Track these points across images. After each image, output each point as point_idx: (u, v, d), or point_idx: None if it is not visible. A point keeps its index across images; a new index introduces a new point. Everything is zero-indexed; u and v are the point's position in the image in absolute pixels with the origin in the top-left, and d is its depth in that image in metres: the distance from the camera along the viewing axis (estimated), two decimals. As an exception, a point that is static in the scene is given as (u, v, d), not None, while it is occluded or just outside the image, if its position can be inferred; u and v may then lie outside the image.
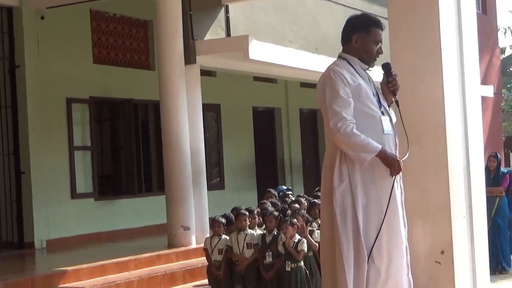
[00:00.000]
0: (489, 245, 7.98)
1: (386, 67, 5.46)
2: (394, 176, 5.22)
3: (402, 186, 5.42)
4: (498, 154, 12.85)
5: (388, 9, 7.48)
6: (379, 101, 5.38)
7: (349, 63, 5.41)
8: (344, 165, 5.27)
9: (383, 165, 5.21)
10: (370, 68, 5.50)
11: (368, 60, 5.44)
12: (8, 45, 13.30)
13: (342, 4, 18.43)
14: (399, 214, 5.30)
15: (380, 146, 5.17)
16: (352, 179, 5.24)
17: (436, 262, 7.07)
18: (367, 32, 5.40)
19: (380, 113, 5.33)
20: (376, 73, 5.58)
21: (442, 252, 7.06)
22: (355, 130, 5.15)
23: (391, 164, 5.18)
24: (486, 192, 8.01)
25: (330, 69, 5.36)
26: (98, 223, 14.42)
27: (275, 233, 9.14)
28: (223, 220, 9.65)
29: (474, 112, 7.57)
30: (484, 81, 24.59)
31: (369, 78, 5.46)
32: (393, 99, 5.48)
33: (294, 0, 17.40)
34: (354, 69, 5.39)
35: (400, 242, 5.29)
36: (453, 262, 7.04)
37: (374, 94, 5.38)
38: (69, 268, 10.29)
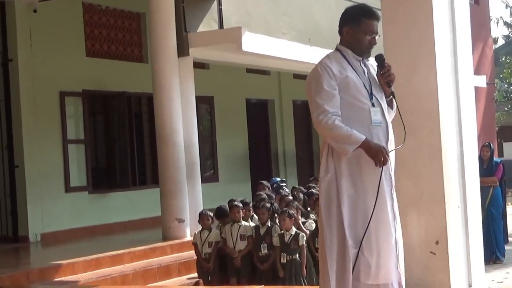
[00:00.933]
0: (483, 235, 8.01)
1: (379, 59, 5.41)
2: (381, 167, 5.19)
3: (393, 177, 5.37)
4: (491, 144, 12.87)
5: (382, 1, 7.49)
6: (371, 93, 5.35)
7: (342, 54, 5.40)
8: (330, 157, 5.28)
9: (368, 161, 5.16)
10: (368, 59, 5.47)
11: (360, 51, 5.40)
12: (1, 39, 13.28)
13: (335, -5, 18.40)
14: (387, 206, 5.25)
15: (363, 137, 5.13)
16: (338, 170, 5.23)
17: (431, 252, 7.09)
18: (358, 23, 5.37)
19: (370, 104, 5.28)
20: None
21: (437, 243, 7.08)
22: (337, 122, 5.14)
23: (375, 155, 5.13)
24: (480, 182, 8.03)
25: (319, 62, 5.37)
26: (92, 217, 14.41)
27: (269, 224, 9.16)
28: (210, 213, 9.70)
29: (467, 102, 7.58)
30: (477, 72, 24.63)
31: (364, 70, 5.42)
32: (389, 90, 5.40)
33: (287, -9, 17.38)
34: (347, 60, 5.37)
35: (388, 235, 5.23)
36: (447, 253, 7.06)
37: (367, 85, 5.34)
38: (64, 262, 10.29)
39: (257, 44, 13.82)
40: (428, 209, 7.14)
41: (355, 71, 5.36)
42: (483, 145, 12.69)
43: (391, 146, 5.33)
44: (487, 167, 12.39)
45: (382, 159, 5.12)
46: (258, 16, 16.04)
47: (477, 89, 21.86)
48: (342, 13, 5.52)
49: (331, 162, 5.27)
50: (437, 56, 7.14)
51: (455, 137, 7.37)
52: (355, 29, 5.38)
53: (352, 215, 5.21)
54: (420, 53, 7.19)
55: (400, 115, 5.41)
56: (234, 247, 9.44)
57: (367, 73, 5.42)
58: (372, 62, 5.51)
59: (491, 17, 30.61)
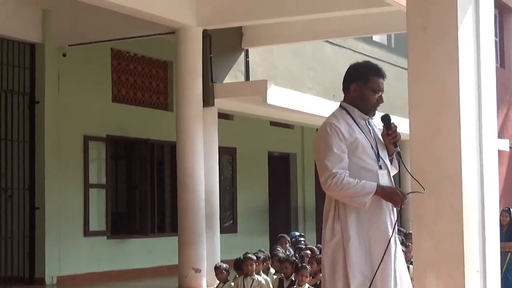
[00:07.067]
0: (501, 301, 7.91)
1: (386, 119, 5.34)
2: (391, 238, 5.11)
3: (398, 241, 5.31)
4: (511, 209, 12.79)
5: (408, 59, 7.51)
6: (378, 155, 5.27)
7: (348, 113, 5.30)
8: (337, 219, 5.17)
9: (378, 220, 5.15)
10: (371, 118, 5.38)
11: (367, 110, 5.31)
12: (29, 81, 13.42)
13: (360, 53, 18.51)
14: (391, 266, 5.17)
15: (375, 184, 5.08)
16: (345, 234, 5.12)
17: (448, 316, 7.01)
18: (365, 81, 5.29)
19: (377, 167, 5.22)
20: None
21: (455, 307, 7.00)
22: (346, 179, 5.05)
23: (391, 197, 5.11)
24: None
25: (327, 122, 5.24)
26: (109, 262, 14.40)
27: (293, 278, 9.11)
28: (225, 266, 9.66)
29: (490, 165, 7.55)
30: (501, 135, 24.54)
31: (370, 129, 5.34)
32: (394, 150, 5.36)
33: (313, 46, 17.49)
34: (353, 119, 5.27)
35: None
36: (465, 318, 6.97)
37: (374, 146, 5.27)
38: (79, 306, 10.28)
39: (282, 98, 13.88)
40: (447, 272, 7.06)
41: (362, 131, 5.26)
42: (502, 209, 12.60)
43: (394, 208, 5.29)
44: (506, 232, 12.30)
45: (399, 199, 5.10)
46: (284, 69, 16.15)
47: (500, 152, 21.77)
48: (348, 70, 5.45)
49: (337, 224, 5.16)
50: (461, 117, 7.13)
51: (476, 200, 7.32)
52: (363, 87, 5.29)
53: (358, 280, 5.13)
54: (445, 113, 7.19)
55: (406, 169, 5.40)
56: (246, 300, 9.36)
57: (372, 133, 5.34)
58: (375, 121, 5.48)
59: (516, 81, 30.48)
